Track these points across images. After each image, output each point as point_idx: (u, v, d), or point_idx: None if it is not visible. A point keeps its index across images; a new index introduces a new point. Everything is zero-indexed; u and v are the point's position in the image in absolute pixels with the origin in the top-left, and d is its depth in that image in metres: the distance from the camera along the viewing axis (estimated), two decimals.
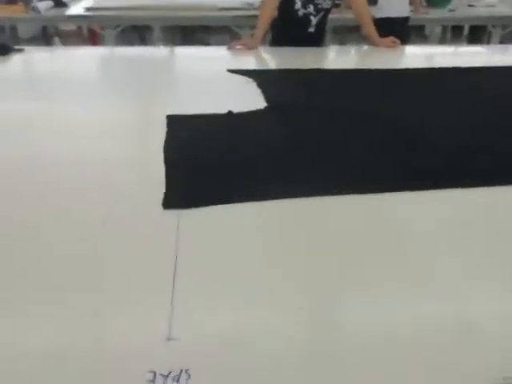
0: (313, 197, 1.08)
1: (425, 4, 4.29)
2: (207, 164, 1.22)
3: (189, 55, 2.60)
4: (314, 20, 2.49)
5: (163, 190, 1.08)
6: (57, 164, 1.24)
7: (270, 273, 0.85)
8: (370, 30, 2.62)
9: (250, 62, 2.33)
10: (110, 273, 0.83)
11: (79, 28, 5.64)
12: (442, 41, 5.45)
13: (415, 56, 2.70)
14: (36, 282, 0.80)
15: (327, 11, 2.52)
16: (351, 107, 1.67)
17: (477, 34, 4.99)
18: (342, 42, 4.53)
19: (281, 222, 1.01)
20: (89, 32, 5.46)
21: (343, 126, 1.51)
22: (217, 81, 2.00)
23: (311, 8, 2.45)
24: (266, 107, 1.62)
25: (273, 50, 2.59)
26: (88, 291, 0.79)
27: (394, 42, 2.62)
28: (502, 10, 4.49)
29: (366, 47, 2.77)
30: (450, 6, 4.50)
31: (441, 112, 1.65)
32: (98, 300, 0.77)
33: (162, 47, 2.71)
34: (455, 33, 5.57)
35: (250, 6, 3.97)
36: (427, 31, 5.63)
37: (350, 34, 4.68)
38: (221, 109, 1.58)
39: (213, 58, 2.47)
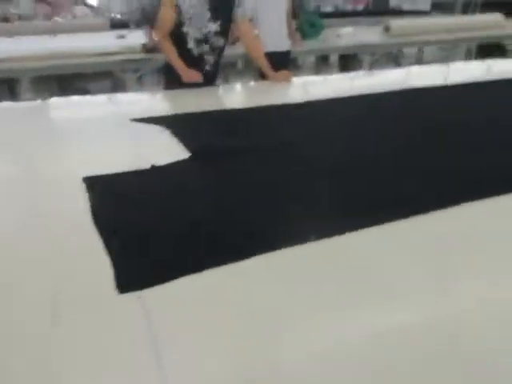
0: (266, 252, 0.99)
1: (299, 37, 4.49)
2: (146, 232, 1.06)
3: (76, 106, 2.35)
4: (209, 59, 2.44)
5: (106, 265, 0.91)
6: None
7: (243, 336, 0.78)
8: (263, 62, 2.63)
9: (149, 109, 2.18)
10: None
11: None
12: (316, 70, 5.76)
13: (313, 86, 2.76)
14: None
15: (222, 49, 2.48)
16: (273, 144, 1.61)
17: (348, 61, 5.35)
18: (225, 77, 4.54)
19: (239, 283, 0.92)
20: None
21: (272, 165, 1.45)
22: (122, 132, 1.83)
23: (206, 47, 2.39)
24: (190, 156, 1.49)
25: (172, 93, 2.46)
26: None
27: (286, 75, 2.65)
28: (369, 38, 4.85)
29: (260, 83, 2.77)
30: (321, 37, 4.79)
31: (359, 140, 1.66)
32: None
33: (39, 100, 2.42)
34: (326, 61, 5.93)
35: (130, 50, 3.81)
36: (300, 61, 5.92)
37: (232, 68, 4.73)
38: (138, 163, 1.42)
39: (106, 107, 2.29)
